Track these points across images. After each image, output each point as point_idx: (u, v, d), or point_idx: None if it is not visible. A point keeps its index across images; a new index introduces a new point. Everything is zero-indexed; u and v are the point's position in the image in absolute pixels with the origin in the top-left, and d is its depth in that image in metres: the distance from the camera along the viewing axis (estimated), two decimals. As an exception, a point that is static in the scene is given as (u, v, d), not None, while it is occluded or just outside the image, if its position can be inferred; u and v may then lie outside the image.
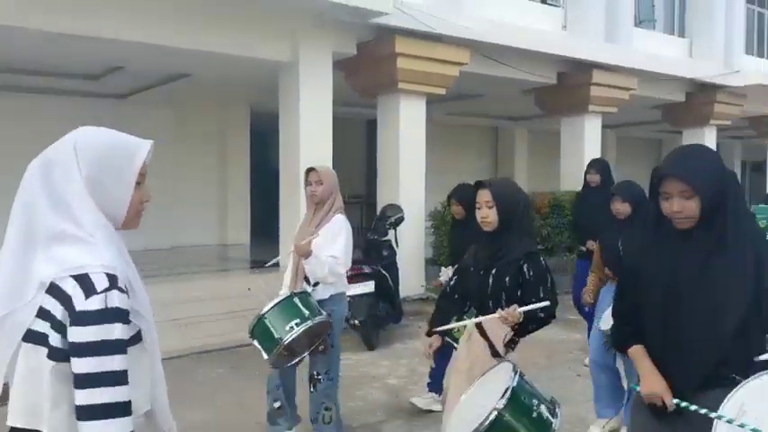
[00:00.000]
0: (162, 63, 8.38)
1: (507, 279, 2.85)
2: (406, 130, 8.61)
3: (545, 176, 16.51)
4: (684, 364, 2.05)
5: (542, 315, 2.78)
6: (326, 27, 7.85)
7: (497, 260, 2.89)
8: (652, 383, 2.11)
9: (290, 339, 3.37)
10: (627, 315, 2.27)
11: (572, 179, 10.92)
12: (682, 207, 2.00)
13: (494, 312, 2.76)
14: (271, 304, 3.48)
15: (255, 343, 3.46)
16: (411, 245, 8.18)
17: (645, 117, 14.44)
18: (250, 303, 7.09)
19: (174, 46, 7.06)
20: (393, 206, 7.18)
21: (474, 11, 9.30)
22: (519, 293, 2.84)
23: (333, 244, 3.66)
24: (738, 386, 1.90)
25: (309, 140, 7.77)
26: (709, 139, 13.47)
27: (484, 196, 2.90)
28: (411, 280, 8.13)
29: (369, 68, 8.47)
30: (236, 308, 6.79)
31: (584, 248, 5.90)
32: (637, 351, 2.21)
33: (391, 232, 6.91)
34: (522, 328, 2.80)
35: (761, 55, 16.40)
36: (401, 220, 6.95)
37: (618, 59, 10.66)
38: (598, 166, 6.24)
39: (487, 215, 2.88)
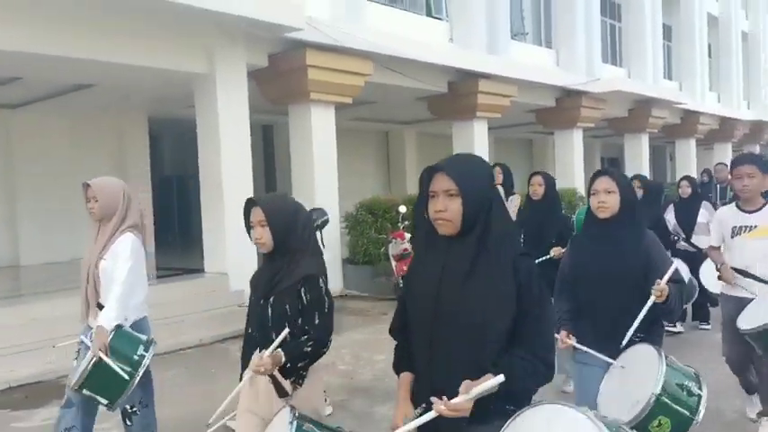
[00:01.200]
0: (67, 74, 8.32)
1: (288, 307, 2.51)
2: (318, 137, 9.14)
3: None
4: (451, 394, 1.75)
5: (309, 349, 2.45)
6: (240, 40, 8.20)
7: (275, 286, 2.54)
8: (396, 416, 1.98)
9: (146, 366, 3.20)
10: (401, 334, 2.12)
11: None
12: (445, 206, 1.88)
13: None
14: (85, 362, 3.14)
15: (89, 393, 3.15)
16: (329, 246, 8.71)
17: (520, 120, 15.86)
18: (181, 310, 7.36)
19: (88, 58, 7.08)
20: (318, 209, 7.62)
21: (374, 25, 10.00)
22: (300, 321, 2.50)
23: (115, 270, 3.28)
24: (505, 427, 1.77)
25: (229, 148, 8.10)
26: (576, 138, 15.09)
27: (257, 215, 2.57)
28: (331, 280, 8.64)
29: (280, 79, 8.90)
30: (169, 314, 6.98)
31: None
32: (402, 379, 2.06)
33: (317, 234, 7.38)
34: (290, 368, 2.45)
35: (615, 63, 18.50)
36: (326, 222, 7.42)
37: (500, 70, 11.81)
38: (500, 166, 7.01)
39: (261, 235, 2.56)
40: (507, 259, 1.87)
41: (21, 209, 10.89)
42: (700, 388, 2.60)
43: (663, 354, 2.67)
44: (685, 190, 6.86)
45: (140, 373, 3.16)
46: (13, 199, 10.90)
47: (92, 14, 6.86)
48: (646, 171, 17.99)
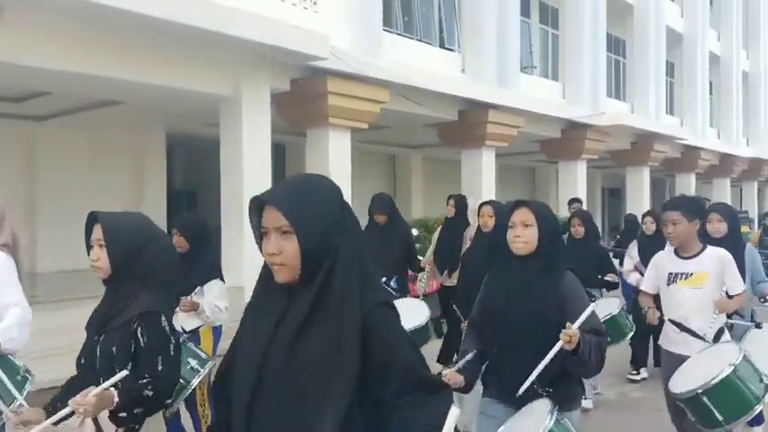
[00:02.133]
0: (96, 91, 8.69)
1: (115, 349, 2.17)
2: (335, 161, 9.52)
3: (440, 202, 17.99)
4: None
5: (149, 393, 2.12)
6: (265, 65, 8.60)
7: (107, 323, 2.22)
8: None
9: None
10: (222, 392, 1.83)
11: (472, 205, 12.29)
12: (279, 248, 1.52)
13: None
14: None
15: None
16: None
17: (525, 149, 16.27)
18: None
19: (118, 77, 7.37)
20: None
21: (390, 54, 10.44)
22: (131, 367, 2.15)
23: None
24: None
25: (251, 169, 8.47)
26: (580, 169, 15.49)
27: (96, 233, 2.27)
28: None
29: (301, 103, 9.30)
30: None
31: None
32: None
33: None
34: (125, 416, 2.10)
35: (619, 98, 18.99)
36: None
37: (509, 101, 12.25)
38: (454, 198, 6.76)
39: (98, 257, 2.25)
40: (353, 314, 1.49)
41: (40, 217, 11.22)
42: None
43: (554, 414, 2.40)
44: (650, 226, 6.46)
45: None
46: (33, 208, 11.24)
47: (123, 36, 7.17)
48: (647, 203, 18.39)
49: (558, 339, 2.36)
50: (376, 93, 9.67)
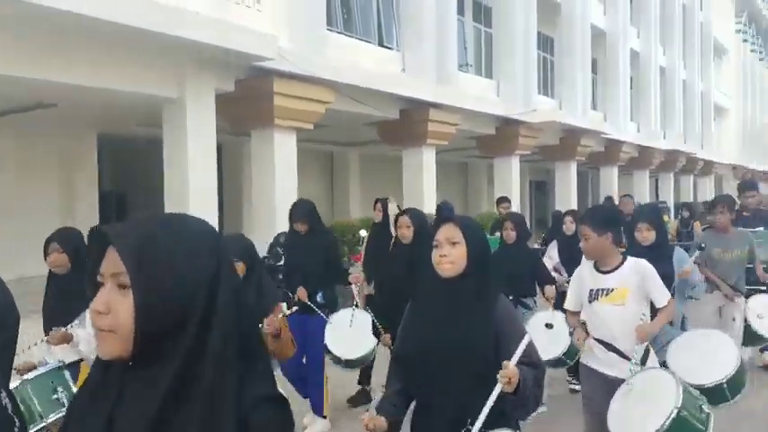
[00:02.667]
0: (30, 94, 8.27)
1: None
2: (280, 162, 9.41)
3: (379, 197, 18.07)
4: None
5: None
6: (209, 66, 8.40)
7: None
8: None
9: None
10: None
11: (413, 203, 12.41)
12: (106, 305, 1.06)
13: None
14: None
15: None
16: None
17: (461, 146, 16.58)
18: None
19: (56, 80, 7.07)
20: (286, 232, 7.92)
21: (334, 54, 10.40)
22: None
23: None
24: None
25: (197, 171, 8.27)
26: (514, 165, 15.93)
27: None
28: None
29: (245, 104, 9.14)
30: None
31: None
32: None
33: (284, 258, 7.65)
34: None
35: (548, 95, 19.62)
36: (294, 245, 7.73)
37: (449, 100, 12.44)
38: (381, 202, 6.33)
39: None
40: (228, 413, 1.03)
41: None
42: None
43: None
44: (569, 226, 6.32)
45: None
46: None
47: (63, 37, 6.85)
48: (574, 197, 19.14)
49: (493, 377, 2.10)
50: (321, 93, 9.62)
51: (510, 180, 15.81)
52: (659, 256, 3.85)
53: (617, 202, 22.03)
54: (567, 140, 18.23)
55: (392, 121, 12.18)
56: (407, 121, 12.19)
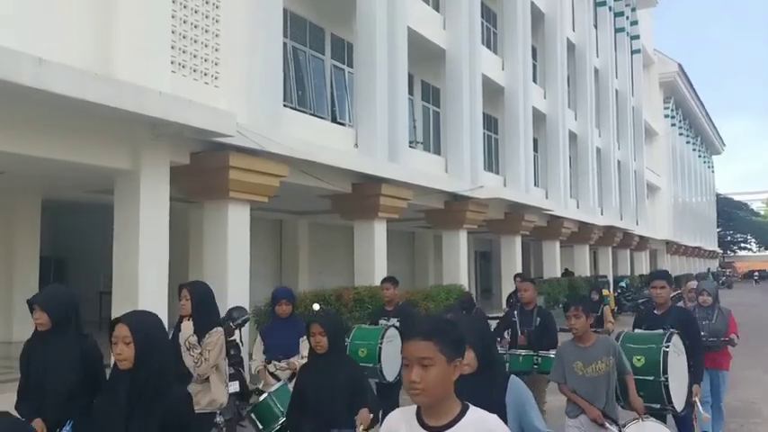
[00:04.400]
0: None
1: None
2: (234, 234, 9.42)
3: (327, 269, 18.09)
4: None
5: None
6: (165, 139, 8.47)
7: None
8: None
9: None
10: None
11: (365, 275, 12.55)
12: None
13: None
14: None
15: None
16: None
17: (411, 217, 16.90)
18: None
19: (6, 150, 6.98)
20: (239, 308, 7.83)
21: (289, 129, 10.64)
22: None
23: None
24: None
25: (147, 243, 8.17)
26: (462, 239, 16.31)
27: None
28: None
29: (200, 177, 9.19)
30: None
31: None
32: None
33: (237, 333, 7.57)
34: None
35: (492, 171, 20.35)
36: (246, 321, 7.66)
37: (400, 175, 12.80)
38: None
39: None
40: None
41: None
42: None
43: None
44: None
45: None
46: None
47: (11, 108, 6.75)
48: (519, 267, 19.62)
49: None
50: (276, 167, 9.78)
51: (458, 252, 16.14)
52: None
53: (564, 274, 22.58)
54: (511, 215, 18.85)
55: (345, 194, 12.40)
56: (359, 195, 12.44)
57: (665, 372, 4.69)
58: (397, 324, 7.12)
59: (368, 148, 12.90)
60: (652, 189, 40.68)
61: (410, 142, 15.37)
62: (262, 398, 4.48)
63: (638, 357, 4.85)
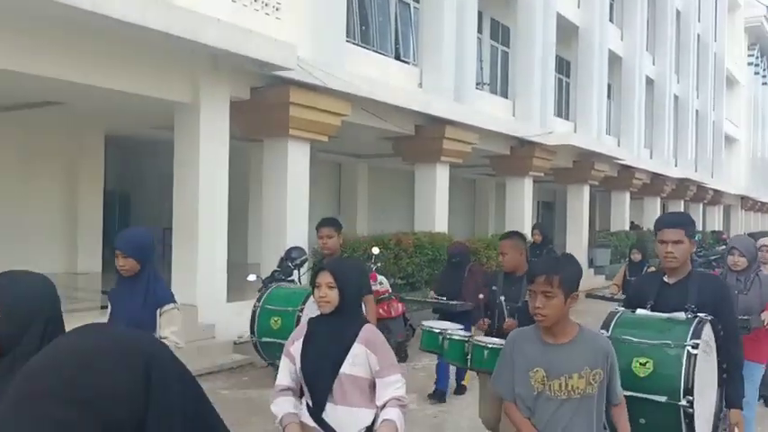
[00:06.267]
0: (42, 92, 8.04)
1: None
2: (294, 173, 9.15)
3: (386, 213, 17.80)
4: None
5: None
6: (225, 72, 8.17)
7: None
8: None
9: None
10: None
11: (425, 221, 12.17)
12: None
13: None
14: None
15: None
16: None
17: (475, 163, 16.32)
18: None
19: (69, 80, 6.87)
20: (298, 248, 7.64)
21: (352, 66, 10.16)
22: None
23: None
24: None
25: (208, 178, 8.04)
26: (527, 187, 15.66)
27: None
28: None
29: (259, 112, 8.89)
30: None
31: None
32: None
33: (296, 272, 7.38)
34: None
35: (562, 116, 19.38)
36: (305, 261, 7.46)
37: (465, 118, 12.19)
38: None
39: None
40: None
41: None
42: None
43: None
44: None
45: None
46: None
47: (78, 37, 6.65)
48: (586, 219, 18.86)
49: None
50: (338, 105, 9.37)
51: (522, 201, 15.54)
52: None
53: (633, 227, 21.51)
54: (580, 164, 17.97)
55: (407, 136, 11.93)
56: (423, 137, 11.94)
57: (690, 390, 2.74)
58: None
59: (433, 88, 12.31)
60: (729, 141, 38.38)
61: (476, 84, 14.64)
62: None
63: (643, 361, 2.83)
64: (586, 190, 18.75)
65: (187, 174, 8.02)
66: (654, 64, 25.13)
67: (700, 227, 30.40)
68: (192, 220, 7.96)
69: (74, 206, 11.72)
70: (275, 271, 7.23)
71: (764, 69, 44.76)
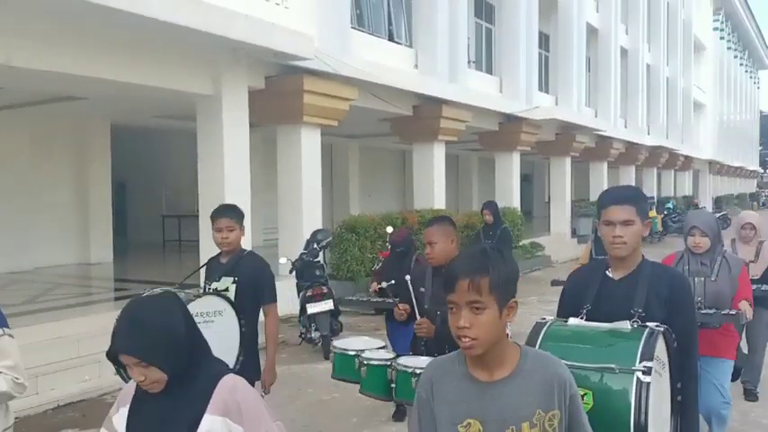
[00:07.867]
0: (63, 87, 8.25)
1: None
2: (307, 158, 9.56)
3: (378, 193, 18.28)
4: None
5: None
6: (243, 64, 8.50)
7: None
8: None
9: None
10: None
11: (423, 197, 12.69)
12: None
13: None
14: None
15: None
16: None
17: (462, 139, 16.80)
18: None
19: (94, 76, 7.07)
20: (323, 230, 8.10)
21: (357, 52, 10.53)
22: None
23: None
24: None
25: (231, 167, 8.41)
26: (515, 161, 16.24)
27: None
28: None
29: (274, 101, 9.24)
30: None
31: None
32: None
33: (321, 254, 7.83)
34: None
35: (542, 90, 19.95)
36: (330, 242, 7.92)
37: (459, 96, 12.67)
38: None
39: None
40: None
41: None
42: None
43: None
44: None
45: None
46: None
47: (99, 33, 6.84)
48: (569, 190, 19.58)
49: None
50: (347, 90, 9.78)
51: (510, 175, 16.14)
52: None
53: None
54: (562, 136, 18.62)
55: (405, 116, 12.37)
56: (420, 117, 12.40)
57: (643, 427, 2.01)
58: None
59: (428, 69, 12.73)
60: (697, 106, 39.50)
61: (467, 62, 15.09)
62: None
63: (580, 393, 1.89)
64: (568, 162, 19.44)
65: (212, 162, 8.39)
66: (627, 34, 25.79)
67: (671, 192, 31.51)
68: (219, 201, 8.31)
69: (85, 197, 11.96)
70: (303, 253, 7.67)
71: (729, 34, 45.81)
